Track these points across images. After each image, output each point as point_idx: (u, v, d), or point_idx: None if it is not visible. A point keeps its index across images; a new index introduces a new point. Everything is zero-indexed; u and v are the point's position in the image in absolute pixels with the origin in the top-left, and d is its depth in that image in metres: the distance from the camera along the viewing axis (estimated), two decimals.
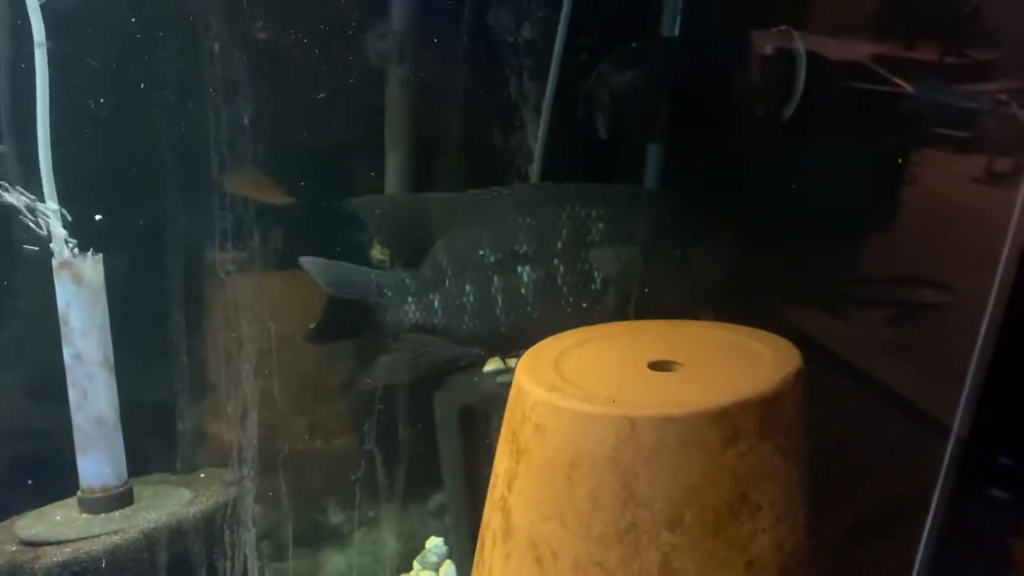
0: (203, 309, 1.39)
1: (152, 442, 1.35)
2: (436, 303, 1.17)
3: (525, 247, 1.14)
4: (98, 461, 1.24)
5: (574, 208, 1.13)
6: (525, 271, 1.14)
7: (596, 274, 1.14)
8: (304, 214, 1.36)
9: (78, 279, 1.20)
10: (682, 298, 1.16)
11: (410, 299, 1.18)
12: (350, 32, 1.27)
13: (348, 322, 1.20)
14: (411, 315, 1.18)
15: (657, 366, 0.96)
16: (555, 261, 1.14)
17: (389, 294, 1.18)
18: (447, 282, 1.17)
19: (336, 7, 1.28)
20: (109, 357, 1.22)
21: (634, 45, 1.15)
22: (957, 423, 0.92)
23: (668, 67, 1.13)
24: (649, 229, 1.14)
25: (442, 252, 1.17)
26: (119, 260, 1.23)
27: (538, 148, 1.24)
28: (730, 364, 0.96)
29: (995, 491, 0.97)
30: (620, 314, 1.15)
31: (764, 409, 0.87)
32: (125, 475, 1.27)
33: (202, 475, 1.38)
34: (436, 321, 1.18)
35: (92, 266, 1.20)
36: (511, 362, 1.40)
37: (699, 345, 1.02)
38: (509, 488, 0.91)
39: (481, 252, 1.15)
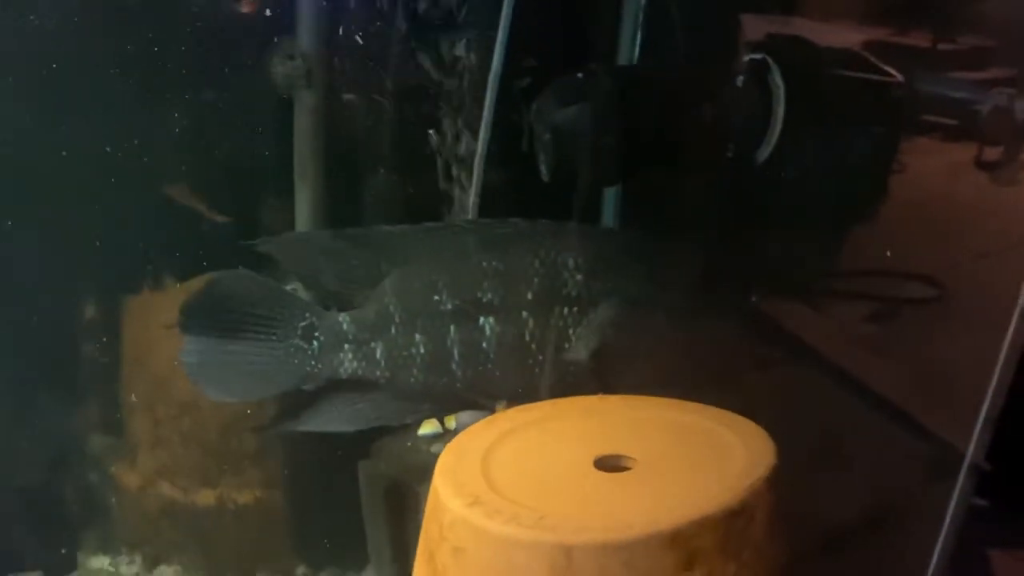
0: (90, 368, 1.29)
1: (27, 527, 1.25)
2: (379, 352, 1.08)
3: (490, 295, 1.06)
4: None
5: (549, 254, 1.05)
6: (488, 323, 1.06)
7: (572, 332, 1.05)
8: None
9: None
10: (671, 366, 1.07)
11: (346, 346, 1.09)
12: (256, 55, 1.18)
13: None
14: (346, 364, 1.09)
15: (605, 463, 0.87)
16: (524, 314, 1.05)
17: (321, 338, 1.09)
18: (393, 329, 1.08)
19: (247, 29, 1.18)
20: None
21: (579, 75, 1.05)
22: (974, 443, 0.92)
23: (620, 100, 1.03)
24: (637, 283, 1.06)
25: (389, 294, 1.08)
26: None
27: (473, 189, 1.15)
28: (692, 461, 0.87)
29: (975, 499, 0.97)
30: (598, 380, 1.07)
31: (729, 524, 0.78)
32: None
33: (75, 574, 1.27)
34: (378, 373, 1.09)
35: None
36: (451, 423, 1.32)
37: (658, 434, 0.93)
38: None
39: (436, 297, 1.07)
